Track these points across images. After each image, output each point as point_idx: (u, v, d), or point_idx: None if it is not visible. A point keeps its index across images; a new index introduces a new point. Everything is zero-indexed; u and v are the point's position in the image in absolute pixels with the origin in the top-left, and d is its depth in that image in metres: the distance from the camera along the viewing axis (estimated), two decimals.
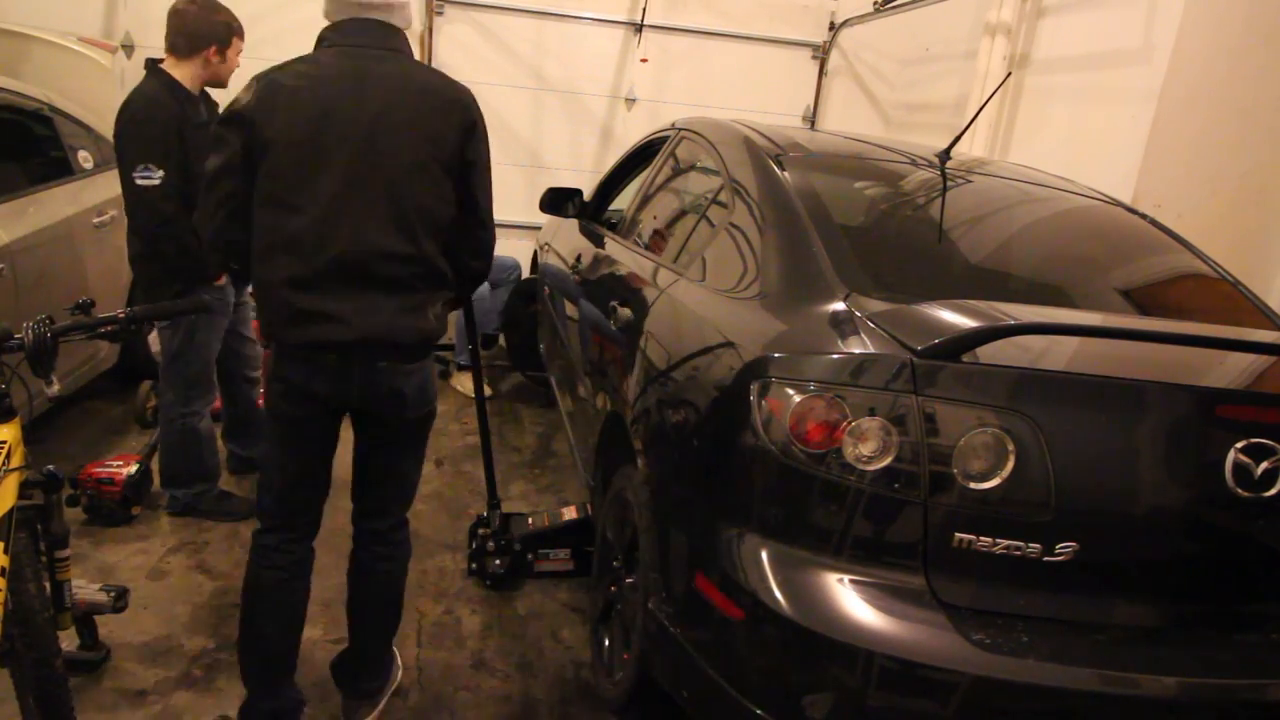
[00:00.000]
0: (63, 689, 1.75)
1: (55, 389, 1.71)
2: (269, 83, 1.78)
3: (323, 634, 2.46)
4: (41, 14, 4.93)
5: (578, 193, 3.94)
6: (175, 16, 2.74)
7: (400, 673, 2.33)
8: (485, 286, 4.54)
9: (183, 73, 2.75)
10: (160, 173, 2.61)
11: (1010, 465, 1.50)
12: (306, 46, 1.92)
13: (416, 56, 2.03)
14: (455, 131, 1.85)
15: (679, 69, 6.31)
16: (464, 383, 4.74)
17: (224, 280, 2.89)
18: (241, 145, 1.76)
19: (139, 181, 2.61)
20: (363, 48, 1.83)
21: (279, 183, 1.75)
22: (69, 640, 2.15)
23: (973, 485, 1.51)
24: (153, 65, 2.77)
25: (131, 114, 2.65)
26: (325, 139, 1.75)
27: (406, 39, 1.92)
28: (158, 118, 2.64)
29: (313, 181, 1.75)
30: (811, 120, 6.61)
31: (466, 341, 4.58)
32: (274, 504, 1.95)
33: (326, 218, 1.75)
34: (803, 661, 1.53)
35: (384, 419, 1.93)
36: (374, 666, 2.17)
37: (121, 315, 1.80)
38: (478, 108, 1.95)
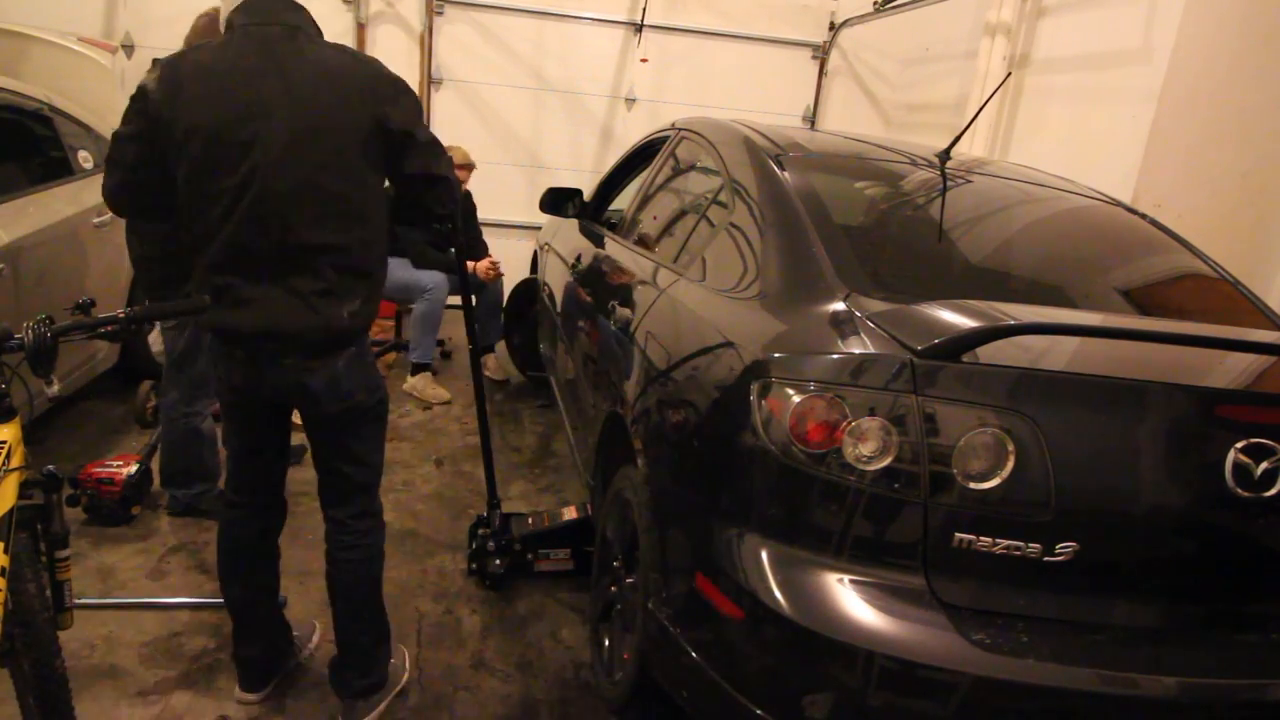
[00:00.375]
0: (63, 689, 1.75)
1: (55, 389, 1.71)
2: (172, 69, 1.78)
3: (322, 634, 2.46)
4: (41, 14, 4.93)
5: (578, 193, 3.94)
6: (210, 21, 2.74)
7: (405, 675, 2.32)
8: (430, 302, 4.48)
9: None
10: None
11: (1010, 465, 1.50)
12: None
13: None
14: (371, 111, 1.80)
15: (679, 69, 6.32)
16: (417, 385, 4.49)
17: None
18: (148, 125, 1.78)
19: None
20: (265, 26, 1.78)
21: (197, 172, 1.77)
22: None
23: (973, 485, 1.51)
24: (158, 62, 2.76)
25: None
26: (239, 131, 1.73)
27: (311, 16, 1.86)
28: None
29: (228, 172, 1.74)
30: (811, 120, 6.62)
31: (421, 337, 4.50)
32: (233, 476, 2.12)
33: (243, 209, 1.76)
34: (803, 661, 1.53)
35: (305, 414, 1.98)
36: (359, 662, 2.15)
37: (122, 315, 1.80)
38: (391, 77, 1.88)
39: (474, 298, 3.24)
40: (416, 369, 4.51)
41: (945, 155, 2.43)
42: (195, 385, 2.91)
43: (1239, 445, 1.54)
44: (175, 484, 3.01)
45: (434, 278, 4.48)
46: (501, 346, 4.99)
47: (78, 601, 2.05)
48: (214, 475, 3.06)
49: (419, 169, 1.91)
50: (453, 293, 4.55)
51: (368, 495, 2.10)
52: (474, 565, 2.85)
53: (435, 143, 1.97)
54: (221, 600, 2.55)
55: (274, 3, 1.80)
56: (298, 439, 2.15)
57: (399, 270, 4.53)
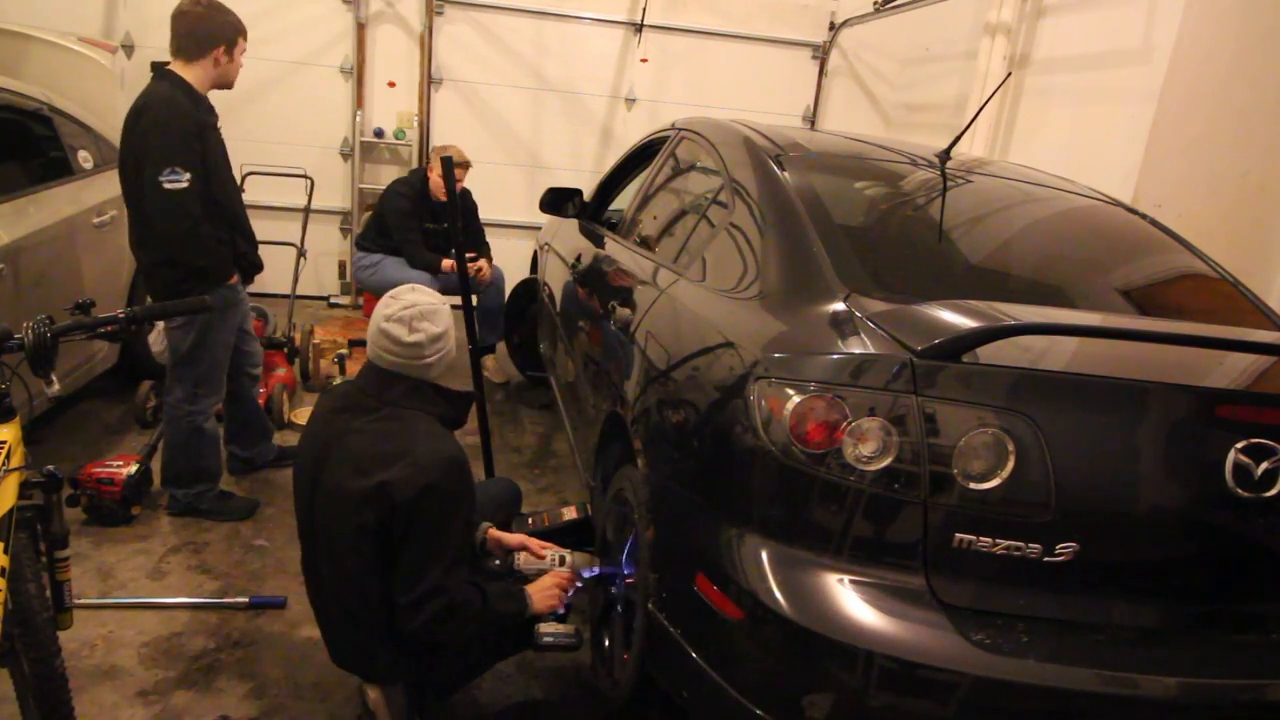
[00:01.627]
0: (63, 689, 1.75)
1: (55, 389, 1.71)
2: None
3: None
4: (41, 14, 4.94)
5: (578, 193, 3.94)
6: (181, 19, 2.71)
7: None
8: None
9: (193, 75, 2.74)
10: (188, 175, 2.62)
11: (1010, 465, 1.50)
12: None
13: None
14: (374, 517, 1.80)
15: (679, 69, 6.32)
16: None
17: (236, 279, 2.92)
18: None
19: (167, 185, 2.60)
20: (355, 399, 1.94)
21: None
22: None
23: (973, 485, 1.51)
24: (161, 69, 2.76)
25: (154, 118, 2.63)
26: (305, 512, 1.95)
27: (424, 390, 1.93)
28: (179, 121, 2.65)
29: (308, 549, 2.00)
30: (811, 120, 6.62)
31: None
32: None
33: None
34: (803, 662, 1.53)
35: None
36: None
37: (121, 315, 1.80)
38: (421, 483, 1.78)
39: (474, 298, 3.24)
40: None
41: (945, 155, 2.43)
42: (200, 383, 2.91)
43: (1239, 445, 1.54)
44: (176, 483, 3.01)
45: (420, 277, 4.50)
46: (502, 346, 4.98)
47: (78, 601, 2.05)
48: (214, 476, 3.07)
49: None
50: (452, 292, 4.55)
51: None
52: None
53: (429, 549, 1.84)
54: (222, 600, 2.56)
55: (375, 374, 1.94)
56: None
57: (393, 269, 4.58)
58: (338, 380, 4.16)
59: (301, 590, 2.65)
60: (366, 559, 1.83)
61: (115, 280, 3.76)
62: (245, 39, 2.83)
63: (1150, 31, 3.82)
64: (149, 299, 2.99)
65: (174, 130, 2.63)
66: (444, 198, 4.57)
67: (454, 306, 4.90)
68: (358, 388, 1.93)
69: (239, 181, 3.12)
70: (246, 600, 2.57)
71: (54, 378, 1.70)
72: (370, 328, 1.92)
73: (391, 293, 1.92)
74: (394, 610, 1.84)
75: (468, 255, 4.63)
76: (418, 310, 1.87)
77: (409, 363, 1.89)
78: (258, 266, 3.08)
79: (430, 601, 1.82)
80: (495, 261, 4.85)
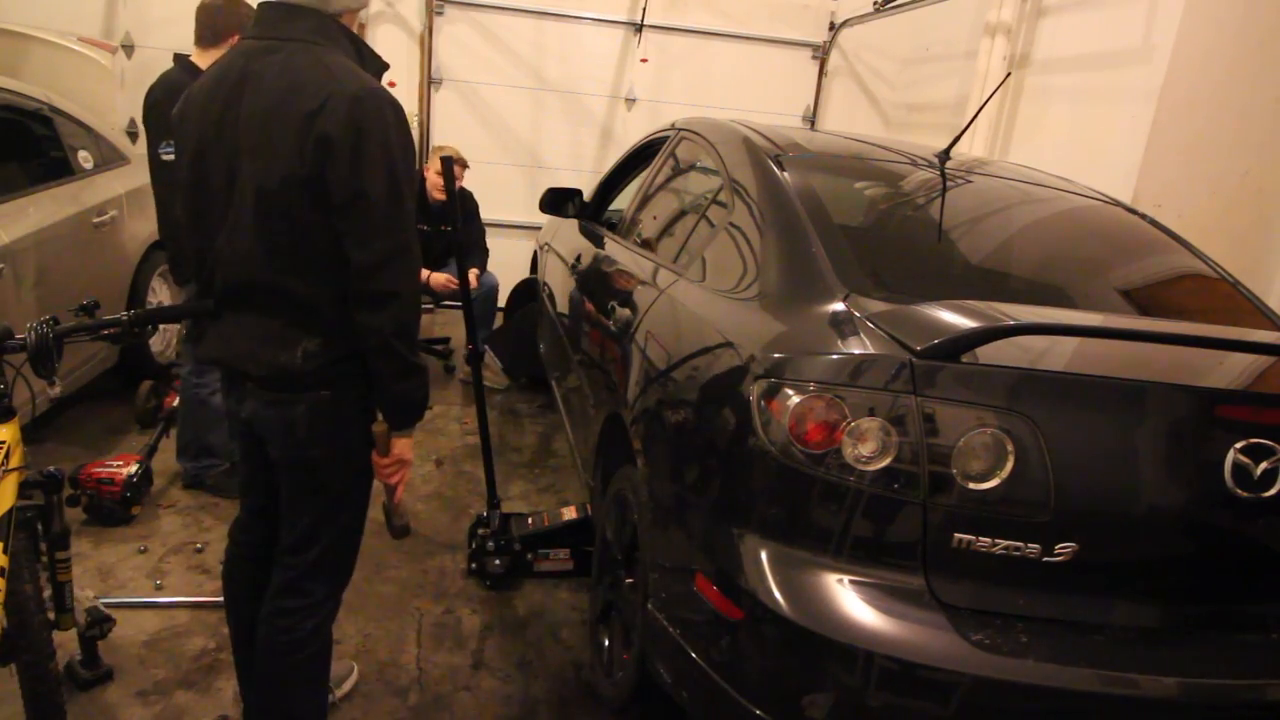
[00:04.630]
0: (55, 692, 1.75)
1: (57, 390, 1.71)
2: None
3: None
4: (41, 14, 4.93)
5: (578, 193, 3.94)
6: (203, 11, 2.84)
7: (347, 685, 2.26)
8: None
9: (206, 62, 2.80)
10: None
11: (1010, 465, 1.50)
12: None
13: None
14: (311, 150, 1.49)
15: (679, 69, 6.32)
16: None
17: None
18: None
19: (164, 157, 2.72)
20: (258, 39, 1.61)
21: (182, 197, 1.72)
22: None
23: (972, 485, 1.51)
24: (178, 56, 2.90)
25: (152, 97, 2.79)
26: (206, 155, 1.62)
27: (324, 20, 1.60)
28: (174, 98, 2.67)
29: (196, 198, 1.65)
30: (811, 120, 6.61)
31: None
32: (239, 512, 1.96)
33: (210, 236, 1.64)
34: (802, 662, 1.53)
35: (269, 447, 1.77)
36: None
37: (125, 318, 1.80)
38: (357, 110, 1.49)
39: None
40: None
41: (945, 155, 2.43)
42: None
43: (1239, 445, 1.54)
44: (185, 454, 3.13)
45: None
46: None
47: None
48: (218, 452, 3.15)
49: (352, 246, 1.55)
50: (451, 298, 4.57)
51: (318, 564, 1.79)
52: (474, 565, 2.85)
53: (383, 218, 1.54)
54: (221, 599, 2.56)
55: (279, 9, 1.61)
56: None
57: None
58: None
59: None
60: (301, 215, 1.53)
61: (116, 280, 3.76)
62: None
63: (1150, 31, 3.82)
64: (149, 299, 2.99)
65: (167, 106, 2.66)
66: (441, 197, 4.58)
67: (452, 306, 4.88)
68: (251, 35, 1.62)
69: None
70: None
71: (56, 378, 1.70)
72: None
73: None
74: (340, 283, 1.56)
75: (449, 276, 4.64)
76: None
77: None
78: None
79: (395, 263, 1.54)
80: (494, 262, 4.85)
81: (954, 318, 1.63)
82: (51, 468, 1.82)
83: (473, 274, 4.56)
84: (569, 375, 3.28)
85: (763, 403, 1.62)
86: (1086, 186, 2.74)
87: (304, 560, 1.78)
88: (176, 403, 3.25)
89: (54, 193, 3.46)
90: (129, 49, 5.34)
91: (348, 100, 1.49)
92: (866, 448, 1.52)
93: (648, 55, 6.22)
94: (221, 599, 2.56)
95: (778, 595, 1.54)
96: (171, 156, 2.64)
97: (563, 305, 3.55)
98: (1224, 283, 2.31)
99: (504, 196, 6.03)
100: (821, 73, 6.53)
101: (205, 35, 2.84)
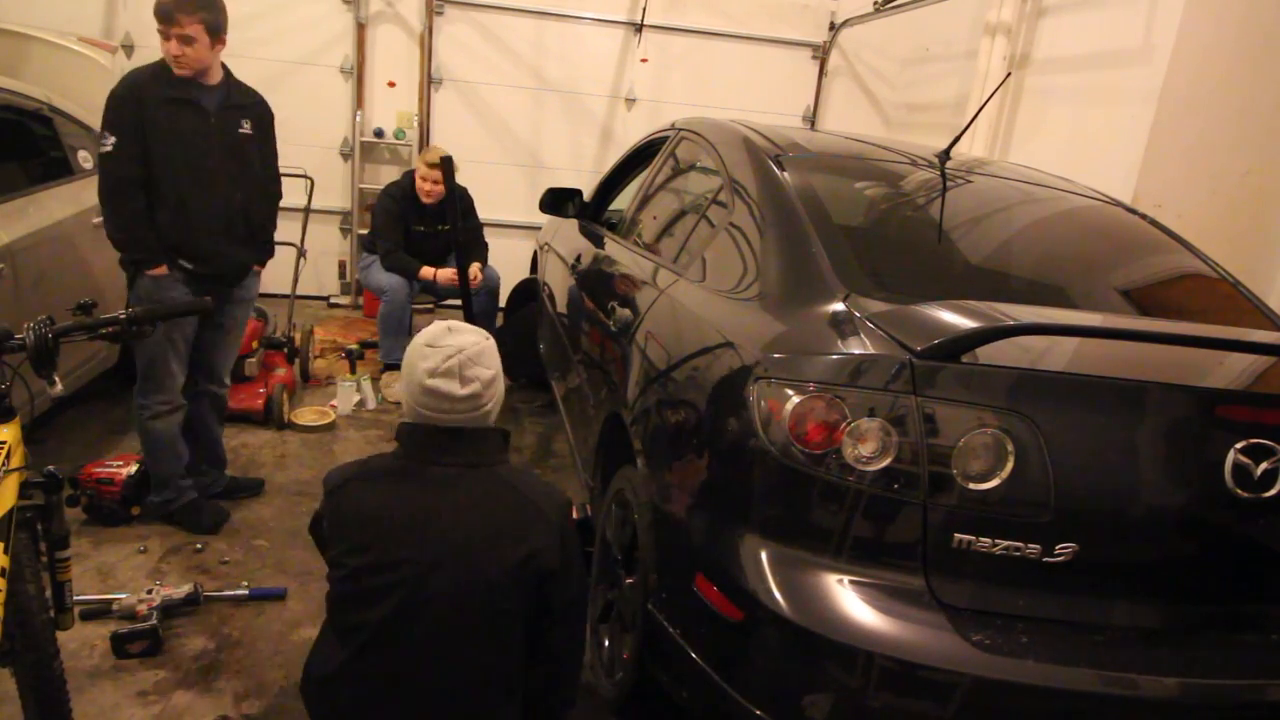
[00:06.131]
0: (60, 690, 1.75)
1: (58, 389, 1.71)
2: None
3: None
4: (41, 14, 4.94)
5: (578, 193, 3.95)
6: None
7: None
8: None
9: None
10: (113, 139, 2.59)
11: (1010, 466, 1.50)
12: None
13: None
14: (520, 596, 1.59)
15: (679, 69, 6.32)
16: (385, 383, 4.45)
17: (164, 270, 2.71)
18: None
19: (101, 149, 2.61)
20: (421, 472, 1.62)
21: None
22: None
23: (972, 486, 1.51)
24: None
25: (110, 90, 2.67)
26: (391, 618, 1.56)
27: (493, 437, 1.66)
28: (121, 89, 2.64)
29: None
30: (811, 120, 6.61)
31: (384, 338, 4.53)
32: None
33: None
34: (802, 662, 1.53)
35: None
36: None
37: (123, 316, 1.80)
38: (564, 543, 1.63)
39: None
40: (386, 368, 4.59)
41: (945, 155, 2.43)
42: (143, 378, 2.79)
43: (1239, 446, 1.54)
44: (151, 485, 2.92)
45: (391, 280, 4.50)
46: None
47: (78, 598, 2.06)
48: (166, 483, 2.90)
49: None
50: (451, 296, 4.57)
51: None
52: None
53: None
54: (221, 593, 2.56)
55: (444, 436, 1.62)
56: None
57: (371, 271, 4.65)
58: (345, 380, 4.20)
59: (301, 587, 2.66)
60: (499, 646, 1.58)
61: (115, 280, 3.74)
62: (159, 22, 2.60)
63: (1150, 32, 3.82)
64: None
65: (112, 98, 2.63)
66: (429, 200, 4.60)
67: (452, 306, 4.87)
68: (417, 459, 1.63)
69: (232, 178, 2.80)
70: (247, 592, 2.57)
71: (56, 378, 1.70)
72: (408, 384, 1.62)
73: (424, 338, 1.63)
74: (542, 689, 1.68)
75: (453, 271, 4.65)
76: (464, 357, 1.59)
77: (468, 415, 1.61)
78: (200, 273, 2.77)
79: (570, 671, 1.74)
80: (494, 262, 4.85)
81: (954, 318, 1.63)
82: (51, 467, 1.82)
83: (475, 268, 4.57)
84: (569, 375, 3.27)
85: (763, 403, 1.62)
86: (1086, 186, 2.74)
87: None
88: None
89: (54, 192, 3.46)
90: (129, 49, 5.35)
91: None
92: (867, 448, 1.52)
93: (648, 55, 6.22)
94: (221, 592, 2.56)
95: (778, 595, 1.54)
96: (106, 147, 2.59)
97: (563, 305, 3.55)
98: (1224, 283, 2.31)
99: (504, 196, 6.04)
100: (821, 73, 6.53)
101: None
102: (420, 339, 1.64)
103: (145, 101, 2.61)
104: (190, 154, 2.70)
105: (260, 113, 2.90)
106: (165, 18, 2.59)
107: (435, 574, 1.53)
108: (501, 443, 1.68)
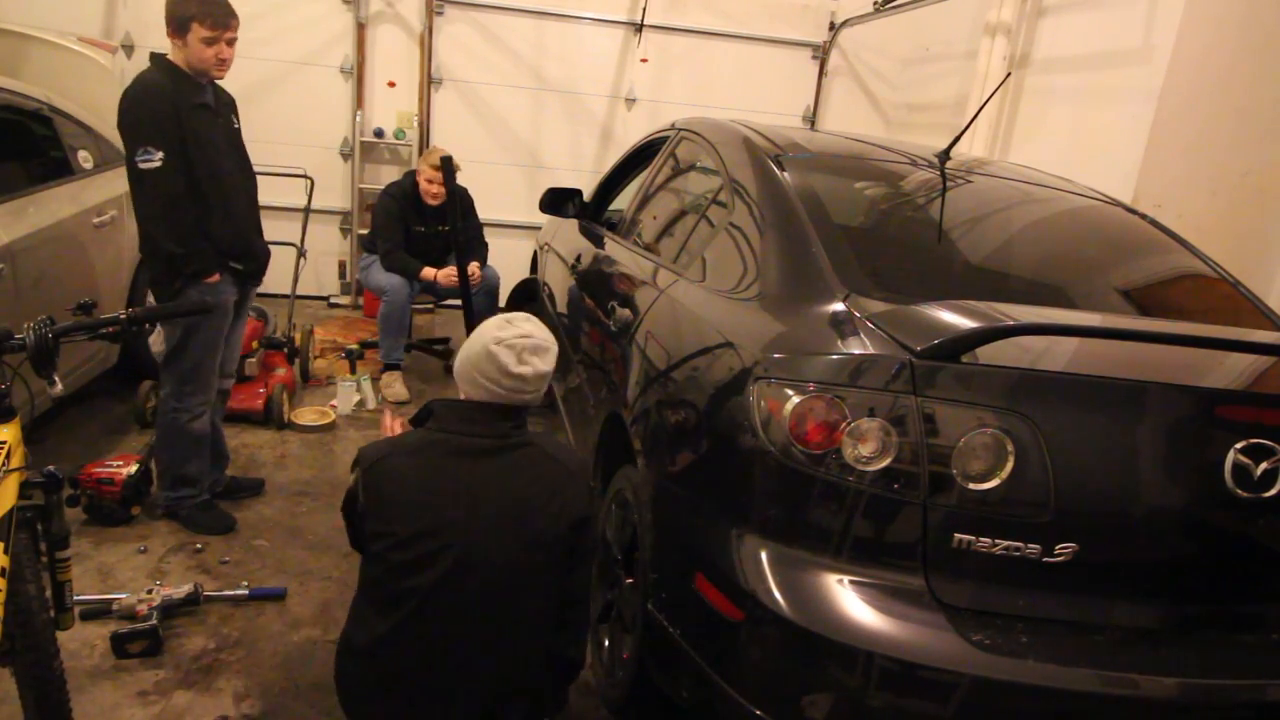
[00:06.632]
0: (61, 690, 1.75)
1: (58, 389, 1.71)
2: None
3: (322, 633, 2.46)
4: (41, 14, 4.94)
5: (577, 193, 3.94)
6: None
7: None
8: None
9: (176, 57, 2.68)
10: (160, 154, 2.56)
11: (1010, 466, 1.50)
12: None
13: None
14: (562, 548, 1.73)
15: (679, 69, 6.32)
16: (383, 383, 4.47)
17: (217, 278, 2.76)
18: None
19: (141, 165, 2.56)
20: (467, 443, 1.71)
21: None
22: None
23: (972, 486, 1.51)
24: (154, 56, 2.73)
25: (127, 99, 2.61)
26: (444, 579, 1.65)
27: (525, 419, 1.78)
28: (150, 100, 2.59)
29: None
30: (811, 120, 6.61)
31: (383, 338, 4.52)
32: None
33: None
34: (802, 662, 1.53)
35: None
36: None
37: (123, 316, 1.80)
38: (587, 494, 1.79)
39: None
40: (386, 368, 4.58)
41: (945, 155, 2.44)
42: (185, 381, 2.82)
43: (1239, 446, 1.54)
44: (162, 482, 2.94)
45: (391, 280, 4.50)
46: None
47: (78, 598, 2.05)
48: (195, 481, 2.93)
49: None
50: (452, 296, 4.57)
51: None
52: None
53: None
54: (222, 592, 2.56)
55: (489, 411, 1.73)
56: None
57: (371, 271, 4.64)
58: (345, 379, 4.20)
59: (301, 587, 2.67)
60: (543, 595, 1.72)
61: (116, 280, 3.76)
62: (207, 27, 2.60)
63: (1150, 32, 3.82)
64: (150, 298, 2.97)
65: (144, 108, 2.58)
66: (433, 202, 4.59)
67: (452, 306, 4.87)
68: (456, 431, 1.72)
69: (245, 173, 2.87)
70: (247, 592, 2.57)
71: (56, 378, 1.70)
72: (469, 350, 1.74)
73: (507, 316, 1.78)
74: (558, 635, 1.78)
75: (451, 270, 4.64)
76: (532, 343, 1.71)
77: (509, 394, 1.71)
78: (246, 271, 2.87)
79: (585, 615, 1.86)
80: (494, 262, 4.85)
81: (954, 318, 1.63)
82: (51, 467, 1.82)
83: (474, 267, 4.56)
84: (569, 375, 3.27)
85: (763, 403, 1.62)
86: (1086, 186, 2.74)
87: None
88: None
89: (54, 192, 3.45)
90: (129, 49, 5.35)
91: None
92: (866, 448, 1.52)
93: (648, 55, 6.22)
94: (222, 592, 2.57)
95: (778, 595, 1.54)
96: (150, 163, 2.54)
97: (563, 305, 3.55)
98: (1224, 283, 2.31)
99: (504, 196, 6.03)
100: (821, 73, 6.53)
101: (166, 27, 2.63)
102: (502, 316, 1.79)
103: (180, 111, 2.62)
104: (219, 156, 2.75)
105: (235, 105, 2.94)
106: (220, 24, 2.62)
107: (485, 536, 1.63)
108: (523, 417, 1.80)
